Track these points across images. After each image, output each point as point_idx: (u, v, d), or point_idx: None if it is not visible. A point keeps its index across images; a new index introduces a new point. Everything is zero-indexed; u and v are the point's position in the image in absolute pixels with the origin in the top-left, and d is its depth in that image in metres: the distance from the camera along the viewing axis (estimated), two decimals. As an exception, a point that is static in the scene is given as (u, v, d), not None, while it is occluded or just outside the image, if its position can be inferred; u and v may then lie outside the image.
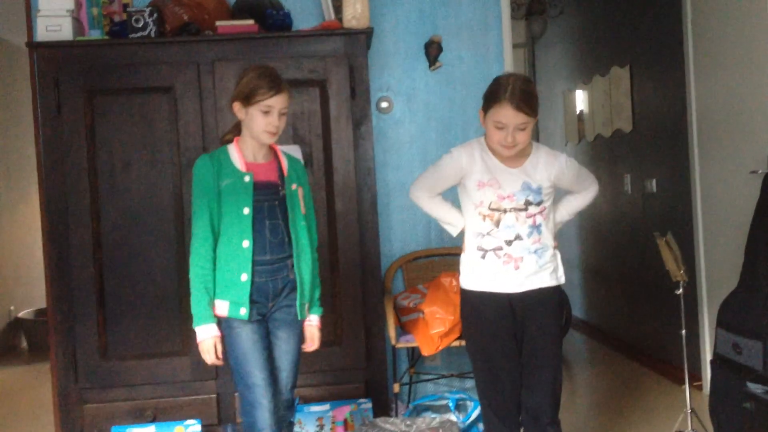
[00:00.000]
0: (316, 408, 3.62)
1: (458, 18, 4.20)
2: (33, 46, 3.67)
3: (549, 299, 2.87)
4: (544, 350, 2.87)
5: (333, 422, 3.61)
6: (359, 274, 3.66)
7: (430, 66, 4.18)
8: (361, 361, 3.67)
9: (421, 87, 4.20)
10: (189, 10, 3.70)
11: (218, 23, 3.68)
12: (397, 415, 3.79)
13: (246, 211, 2.78)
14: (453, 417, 3.64)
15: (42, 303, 6.46)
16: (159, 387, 3.62)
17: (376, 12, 4.11)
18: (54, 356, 3.74)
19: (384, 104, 4.18)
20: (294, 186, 2.90)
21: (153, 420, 3.60)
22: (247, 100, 2.78)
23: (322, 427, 3.63)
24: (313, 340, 2.98)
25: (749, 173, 3.84)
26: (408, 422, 3.36)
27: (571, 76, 6.79)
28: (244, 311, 2.78)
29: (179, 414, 3.61)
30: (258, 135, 2.81)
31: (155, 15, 3.59)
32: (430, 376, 4.18)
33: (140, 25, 3.59)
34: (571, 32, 6.72)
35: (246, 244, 2.78)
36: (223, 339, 2.82)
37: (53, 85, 3.56)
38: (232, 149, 2.85)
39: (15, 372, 6.20)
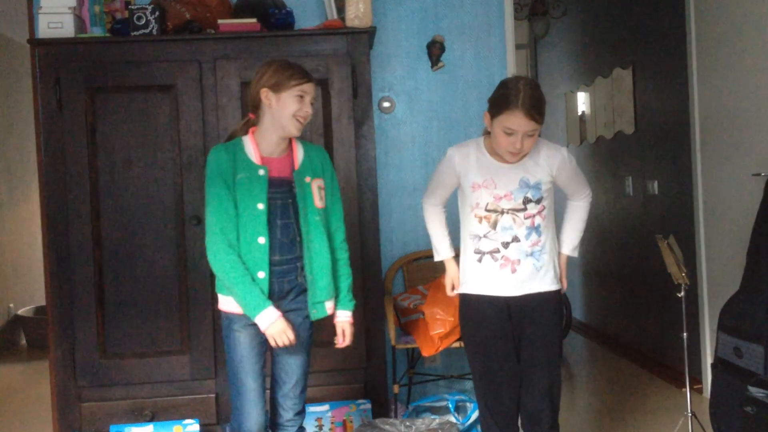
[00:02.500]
0: (315, 408, 3.62)
1: (461, 18, 4.19)
2: (34, 43, 3.66)
3: (547, 304, 2.84)
4: (542, 354, 2.84)
5: (332, 423, 3.60)
6: (359, 275, 3.65)
7: (432, 66, 4.17)
8: (361, 362, 3.66)
9: (423, 87, 4.19)
10: (191, 8, 3.69)
11: (220, 21, 3.67)
12: (396, 416, 3.78)
13: (260, 206, 2.67)
14: (452, 418, 3.62)
15: (41, 300, 6.47)
16: (158, 386, 3.61)
17: (379, 11, 4.10)
18: (53, 354, 3.73)
19: (386, 104, 4.17)
20: (308, 179, 2.76)
21: (151, 419, 3.59)
22: (279, 86, 2.69)
23: (321, 427, 3.63)
24: (344, 336, 2.87)
25: (752, 176, 3.83)
26: (407, 423, 3.35)
27: (573, 78, 6.78)
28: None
29: (178, 413, 3.60)
30: (287, 122, 2.70)
31: (157, 13, 3.58)
32: (429, 378, 4.17)
33: (142, 22, 3.58)
34: (574, 33, 6.71)
35: (262, 240, 2.67)
36: (223, 335, 2.77)
37: (54, 83, 3.55)
38: (247, 141, 2.75)
39: (14, 369, 6.19)
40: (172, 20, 3.66)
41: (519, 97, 2.64)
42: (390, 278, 4.07)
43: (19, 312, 7.02)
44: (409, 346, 3.81)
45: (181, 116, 3.59)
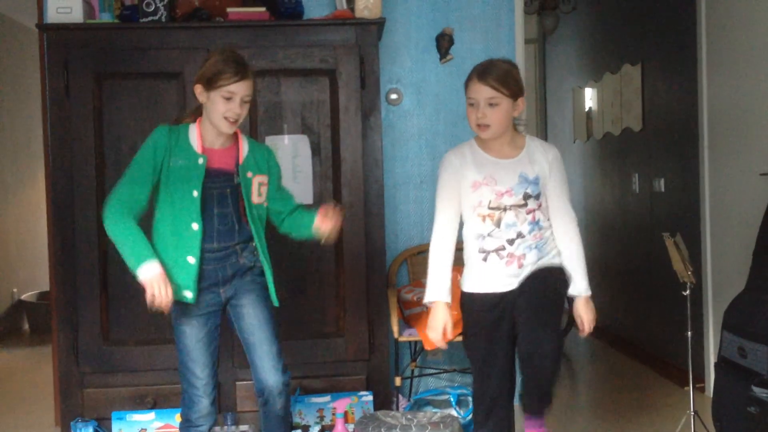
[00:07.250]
0: (316, 399, 3.62)
1: (471, 11, 4.18)
2: (43, 28, 3.66)
3: (549, 270, 2.79)
4: (545, 305, 2.74)
5: (333, 414, 3.60)
6: (364, 267, 3.64)
7: (441, 59, 4.16)
8: (364, 354, 3.66)
9: (432, 79, 4.18)
10: (200, -5, 3.68)
11: (229, 10, 3.67)
12: (398, 409, 3.78)
13: (195, 193, 2.72)
14: (454, 412, 3.62)
15: (45, 286, 6.48)
16: (160, 373, 3.62)
17: (389, 2, 4.08)
18: (56, 339, 3.73)
19: (393, 96, 4.16)
20: (249, 174, 2.81)
21: (153, 406, 3.59)
22: (210, 83, 2.72)
23: (322, 418, 3.63)
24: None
25: (760, 175, 3.82)
26: (409, 416, 3.35)
27: (581, 73, 6.76)
28: (189, 294, 2.74)
29: (180, 401, 3.60)
30: (217, 122, 2.73)
31: (166, 0, 3.57)
32: (432, 371, 4.16)
33: (151, 9, 3.57)
34: (583, 29, 6.68)
35: (195, 227, 2.73)
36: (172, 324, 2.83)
37: (62, 68, 3.54)
38: (193, 129, 2.80)
39: (16, 354, 6.21)
40: (181, 7, 3.66)
41: (476, 68, 2.76)
42: (394, 271, 4.07)
43: (23, 297, 7.03)
44: (412, 338, 3.80)
45: (188, 104, 3.58)
